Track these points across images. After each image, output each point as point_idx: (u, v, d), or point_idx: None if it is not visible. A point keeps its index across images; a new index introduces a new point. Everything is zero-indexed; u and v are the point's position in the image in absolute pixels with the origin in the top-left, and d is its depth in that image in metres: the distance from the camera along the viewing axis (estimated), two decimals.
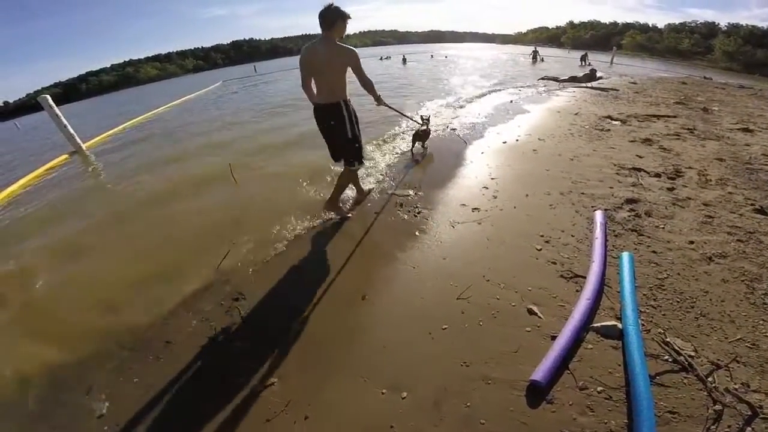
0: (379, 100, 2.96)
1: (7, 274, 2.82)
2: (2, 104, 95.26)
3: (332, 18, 2.37)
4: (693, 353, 1.50)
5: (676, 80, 12.44)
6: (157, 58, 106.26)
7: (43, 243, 3.30)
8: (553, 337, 1.59)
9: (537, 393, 1.39)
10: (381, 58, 27.72)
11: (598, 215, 2.50)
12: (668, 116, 5.74)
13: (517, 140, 4.59)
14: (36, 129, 18.12)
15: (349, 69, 2.55)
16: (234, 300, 2.18)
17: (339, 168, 3.03)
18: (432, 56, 28.96)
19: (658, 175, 3.32)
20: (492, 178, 3.47)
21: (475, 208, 2.91)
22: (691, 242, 2.28)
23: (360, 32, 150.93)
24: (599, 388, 1.39)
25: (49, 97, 7.30)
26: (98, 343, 1.98)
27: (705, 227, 2.45)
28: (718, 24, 47.96)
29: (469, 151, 4.36)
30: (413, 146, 4.43)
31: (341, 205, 3.12)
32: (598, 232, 2.28)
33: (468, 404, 1.40)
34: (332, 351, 1.77)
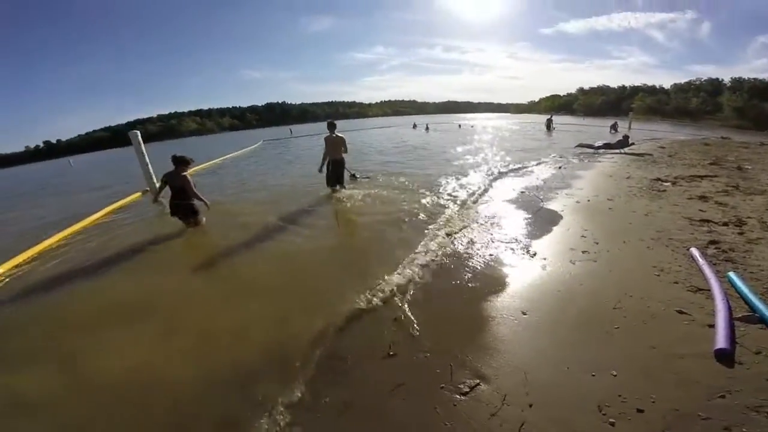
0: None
1: None
2: (55, 142, 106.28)
3: (334, 126, 6.74)
4: None
5: (698, 142, 13.68)
6: (198, 113, 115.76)
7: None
8: (710, 326, 2.27)
9: (726, 358, 1.99)
10: (413, 126, 31.50)
11: (694, 250, 3.29)
12: (710, 176, 6.68)
13: (588, 201, 5.50)
14: (89, 167, 21.87)
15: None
16: (400, 319, 2.72)
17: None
18: (460, 126, 32.12)
19: (725, 224, 4.09)
20: (585, 230, 4.20)
21: (584, 251, 3.63)
22: None
23: (381, 101, 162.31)
24: None
25: (138, 134, 7.22)
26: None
27: None
28: (722, 80, 50.39)
29: (550, 210, 5.18)
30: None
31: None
32: (702, 261, 3.06)
33: (676, 372, 1.94)
34: (521, 352, 2.24)
